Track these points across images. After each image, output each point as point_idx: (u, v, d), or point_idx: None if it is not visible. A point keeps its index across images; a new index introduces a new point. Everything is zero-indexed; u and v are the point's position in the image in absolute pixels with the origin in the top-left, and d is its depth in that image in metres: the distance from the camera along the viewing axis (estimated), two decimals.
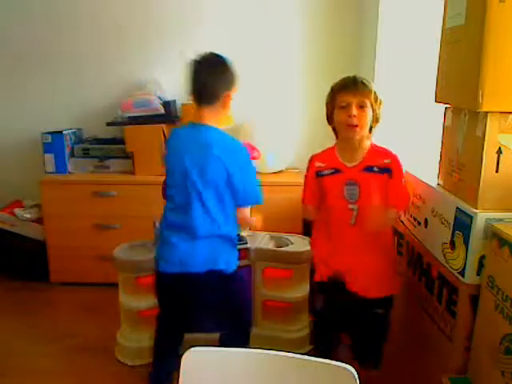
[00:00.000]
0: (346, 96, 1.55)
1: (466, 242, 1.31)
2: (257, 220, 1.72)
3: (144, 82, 2.96)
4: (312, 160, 1.69)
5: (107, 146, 2.95)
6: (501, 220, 1.26)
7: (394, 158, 1.60)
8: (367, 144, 1.62)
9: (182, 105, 2.90)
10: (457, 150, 1.45)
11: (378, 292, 1.60)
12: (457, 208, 1.38)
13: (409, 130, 2.56)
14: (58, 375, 2.08)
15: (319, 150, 1.72)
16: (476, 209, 1.30)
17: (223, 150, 1.57)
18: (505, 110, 1.26)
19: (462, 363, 1.35)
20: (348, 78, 1.60)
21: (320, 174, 1.66)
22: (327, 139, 1.72)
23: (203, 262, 1.61)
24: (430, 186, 1.61)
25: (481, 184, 1.30)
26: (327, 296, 1.70)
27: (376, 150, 1.61)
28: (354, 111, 1.54)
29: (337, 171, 1.63)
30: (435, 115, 1.76)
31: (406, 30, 2.50)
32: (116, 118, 2.94)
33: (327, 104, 1.64)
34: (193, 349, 0.97)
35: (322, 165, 1.66)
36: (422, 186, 1.66)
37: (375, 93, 1.57)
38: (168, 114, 2.86)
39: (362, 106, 1.55)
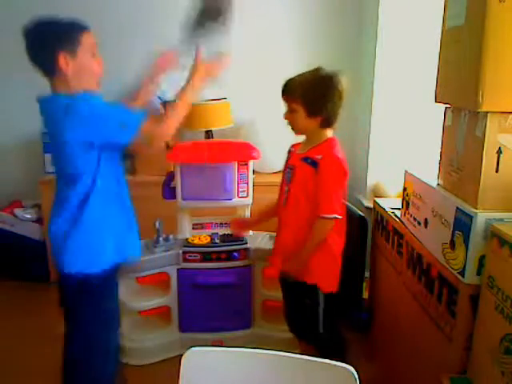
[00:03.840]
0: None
1: (466, 242, 1.31)
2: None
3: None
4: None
5: None
6: (501, 220, 1.26)
7: (328, 157, 1.60)
8: (319, 139, 1.66)
9: None
10: (457, 150, 1.45)
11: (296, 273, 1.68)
12: (457, 208, 1.38)
13: (409, 130, 2.56)
14: (58, 375, 2.08)
15: None
16: (476, 209, 1.30)
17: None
18: (505, 110, 1.26)
19: (462, 363, 1.35)
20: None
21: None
22: None
23: None
24: (430, 186, 1.61)
25: (481, 184, 1.30)
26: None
27: (323, 147, 1.64)
28: (285, 114, 1.68)
29: (289, 156, 1.80)
30: (435, 115, 1.76)
31: (406, 30, 2.51)
32: None
33: None
34: (193, 349, 0.97)
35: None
36: (422, 186, 1.66)
37: (300, 90, 1.61)
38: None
39: (290, 111, 1.66)
